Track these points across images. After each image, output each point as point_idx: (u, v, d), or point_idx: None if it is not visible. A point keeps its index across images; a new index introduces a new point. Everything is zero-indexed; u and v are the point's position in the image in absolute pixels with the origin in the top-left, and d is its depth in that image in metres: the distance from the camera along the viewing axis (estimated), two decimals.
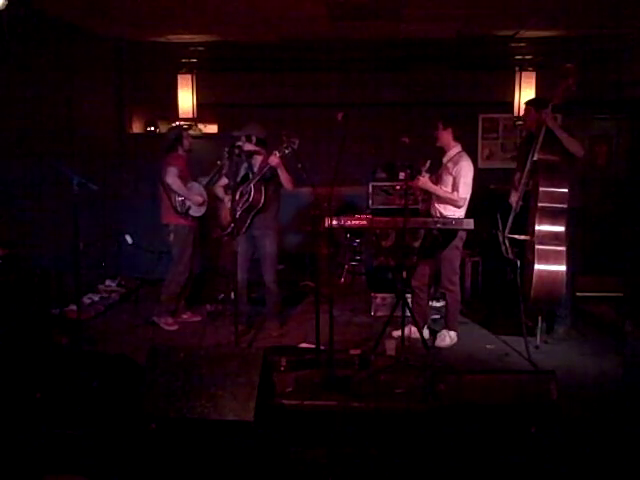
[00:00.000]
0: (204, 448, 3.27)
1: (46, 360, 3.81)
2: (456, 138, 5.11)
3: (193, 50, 7.44)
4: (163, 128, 7.77)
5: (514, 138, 7.59)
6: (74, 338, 4.91)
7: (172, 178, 5.42)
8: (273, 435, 3.55)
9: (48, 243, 5.56)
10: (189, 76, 7.56)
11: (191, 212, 5.53)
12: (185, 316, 5.83)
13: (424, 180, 5.01)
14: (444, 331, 5.15)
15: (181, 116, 7.60)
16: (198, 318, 5.87)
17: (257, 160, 5.30)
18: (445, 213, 4.98)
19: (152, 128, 7.72)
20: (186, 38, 7.12)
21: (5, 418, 3.47)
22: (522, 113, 7.10)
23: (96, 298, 6.31)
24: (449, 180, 5.01)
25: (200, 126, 7.75)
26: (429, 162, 5.04)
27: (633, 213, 6.53)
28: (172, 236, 5.56)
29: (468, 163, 5.01)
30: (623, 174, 7.43)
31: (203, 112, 7.64)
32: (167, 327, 5.54)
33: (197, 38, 7.13)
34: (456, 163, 5.00)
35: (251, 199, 5.14)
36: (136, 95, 7.69)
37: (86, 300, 6.13)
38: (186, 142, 5.60)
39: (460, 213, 4.99)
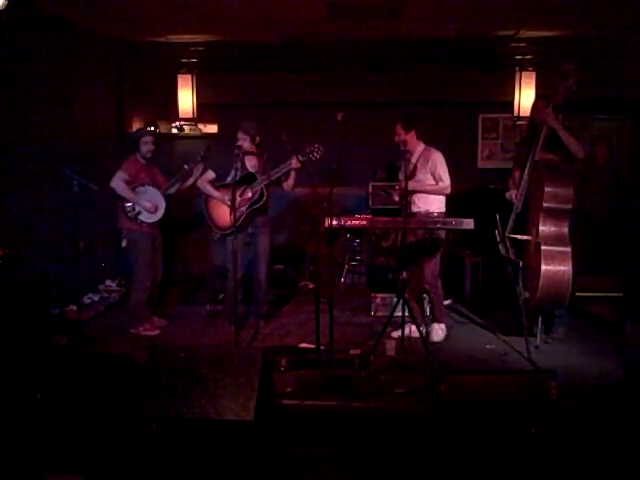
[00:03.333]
0: (204, 448, 3.27)
1: (46, 360, 3.81)
2: (419, 137, 5.22)
3: (193, 50, 7.44)
4: (163, 128, 7.78)
5: (514, 138, 7.59)
6: (74, 338, 4.91)
7: (116, 182, 5.26)
8: (273, 435, 3.56)
9: (48, 243, 5.56)
10: (189, 76, 7.56)
11: (141, 217, 5.35)
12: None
13: (410, 183, 5.08)
14: (434, 325, 5.20)
15: (181, 116, 7.62)
16: (156, 331, 5.55)
17: (251, 160, 5.30)
18: (431, 209, 5.08)
19: (152, 128, 7.70)
20: (186, 38, 7.12)
21: (5, 418, 3.47)
22: (523, 113, 7.16)
23: (96, 298, 6.31)
24: (428, 175, 5.13)
25: (200, 126, 7.75)
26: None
27: (633, 213, 6.53)
28: (124, 242, 5.43)
29: (437, 153, 5.16)
30: (623, 174, 7.43)
31: (203, 112, 7.63)
32: (148, 333, 5.40)
33: (197, 38, 7.13)
34: (428, 158, 5.14)
35: (263, 200, 5.19)
36: (136, 95, 7.69)
37: (86, 300, 6.13)
38: (144, 148, 5.40)
39: (440, 204, 5.13)
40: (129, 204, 5.34)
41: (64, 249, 5.29)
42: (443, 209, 5.14)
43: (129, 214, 5.34)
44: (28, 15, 5.34)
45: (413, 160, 5.18)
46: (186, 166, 5.46)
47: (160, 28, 6.68)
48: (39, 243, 5.47)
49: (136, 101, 7.70)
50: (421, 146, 5.21)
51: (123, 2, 5.64)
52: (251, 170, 5.27)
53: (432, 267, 5.18)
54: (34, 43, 5.66)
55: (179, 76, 7.57)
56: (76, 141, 6.39)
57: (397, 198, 5.37)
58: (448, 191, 5.12)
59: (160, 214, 5.45)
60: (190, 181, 5.56)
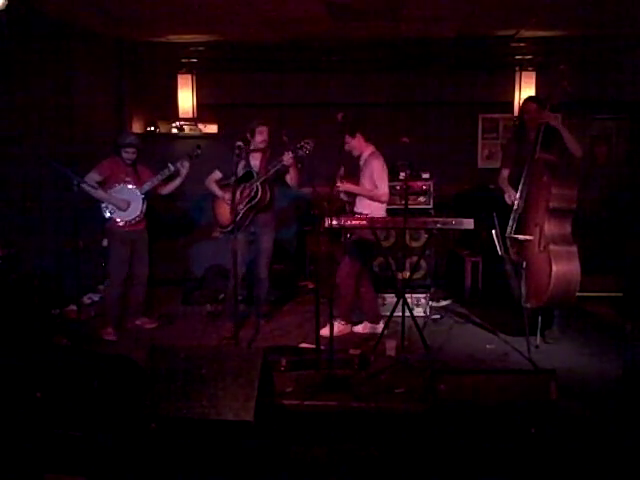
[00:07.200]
0: (204, 448, 3.27)
1: (46, 360, 3.80)
2: (368, 139, 5.27)
3: (193, 50, 7.46)
4: (163, 128, 7.78)
5: None
6: (74, 338, 4.91)
7: (87, 179, 5.15)
8: (273, 435, 3.55)
9: (48, 243, 5.56)
10: (189, 76, 7.58)
11: (113, 216, 5.27)
12: (138, 322, 5.60)
13: (345, 185, 5.19)
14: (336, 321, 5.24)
15: (181, 116, 7.63)
16: (154, 324, 5.64)
17: (256, 158, 5.30)
18: (365, 212, 5.11)
19: (152, 128, 7.73)
20: (186, 38, 7.13)
21: (5, 418, 3.47)
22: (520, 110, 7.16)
23: (96, 298, 6.31)
24: (366, 180, 5.21)
25: (200, 126, 7.76)
26: (342, 168, 5.16)
27: (633, 213, 6.53)
28: (105, 241, 5.42)
29: (378, 160, 5.22)
30: (623, 174, 7.43)
31: (203, 112, 7.65)
32: (106, 337, 5.26)
33: (197, 38, 7.15)
34: (369, 163, 5.21)
35: (258, 198, 5.16)
36: (136, 95, 7.69)
37: (86, 300, 6.14)
38: (124, 155, 5.32)
39: (380, 211, 5.18)
40: (103, 203, 5.29)
41: (64, 249, 5.29)
42: (382, 214, 5.20)
43: (103, 213, 5.30)
44: (28, 15, 5.36)
45: (361, 163, 5.28)
46: (170, 165, 5.37)
47: (160, 28, 6.69)
48: (39, 243, 5.46)
49: (136, 101, 7.71)
50: (369, 150, 5.28)
51: (123, 2, 5.64)
52: (254, 168, 5.27)
53: (348, 266, 5.25)
54: (34, 43, 5.66)
55: (179, 76, 7.58)
56: (76, 141, 6.39)
57: (344, 197, 5.40)
58: (384, 199, 5.19)
59: (135, 213, 5.34)
60: (178, 181, 5.47)
